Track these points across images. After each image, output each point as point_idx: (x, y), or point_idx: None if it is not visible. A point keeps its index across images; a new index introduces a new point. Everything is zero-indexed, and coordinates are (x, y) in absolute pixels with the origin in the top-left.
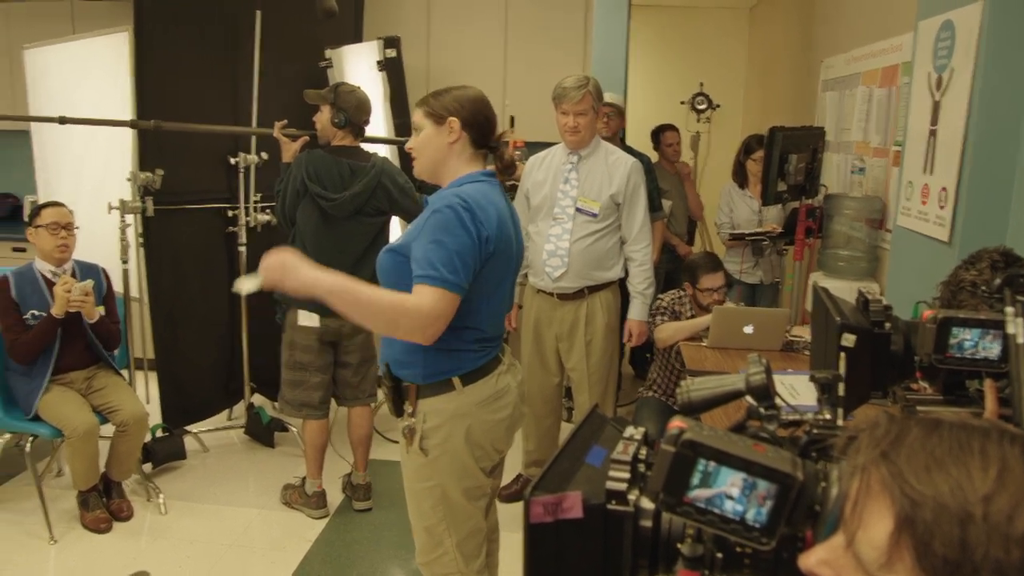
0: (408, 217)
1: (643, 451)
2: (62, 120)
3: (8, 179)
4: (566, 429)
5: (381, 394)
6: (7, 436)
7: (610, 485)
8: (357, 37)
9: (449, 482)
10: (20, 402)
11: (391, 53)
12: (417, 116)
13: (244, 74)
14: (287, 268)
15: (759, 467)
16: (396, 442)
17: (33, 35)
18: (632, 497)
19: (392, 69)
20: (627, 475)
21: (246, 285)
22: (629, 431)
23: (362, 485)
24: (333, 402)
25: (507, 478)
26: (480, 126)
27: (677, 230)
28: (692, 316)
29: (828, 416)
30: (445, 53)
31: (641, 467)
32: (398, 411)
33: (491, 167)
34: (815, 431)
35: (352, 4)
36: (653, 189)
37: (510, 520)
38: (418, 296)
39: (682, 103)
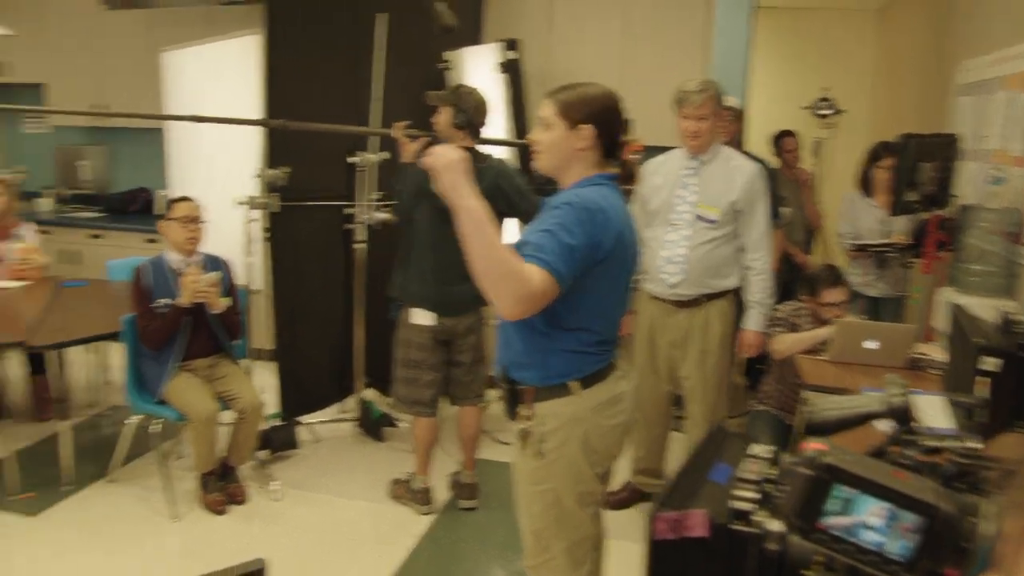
0: (525, 219)
1: (771, 470)
2: (198, 119)
3: (143, 174)
4: (675, 438)
5: (491, 394)
6: (137, 418)
7: (735, 504)
8: (475, 39)
9: (563, 487)
10: (149, 386)
11: (512, 55)
12: (547, 111)
13: (365, 76)
14: (452, 164)
15: (903, 497)
16: (505, 443)
17: (173, 39)
18: (758, 518)
19: (512, 71)
20: (754, 495)
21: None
22: (755, 448)
23: (469, 484)
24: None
25: (614, 485)
26: (612, 136)
27: (795, 238)
28: (810, 330)
29: (974, 444)
30: (564, 56)
31: (768, 487)
32: (512, 413)
33: (612, 170)
34: (961, 460)
35: (471, 7)
36: (774, 196)
37: (615, 528)
38: (529, 270)
39: (804, 108)
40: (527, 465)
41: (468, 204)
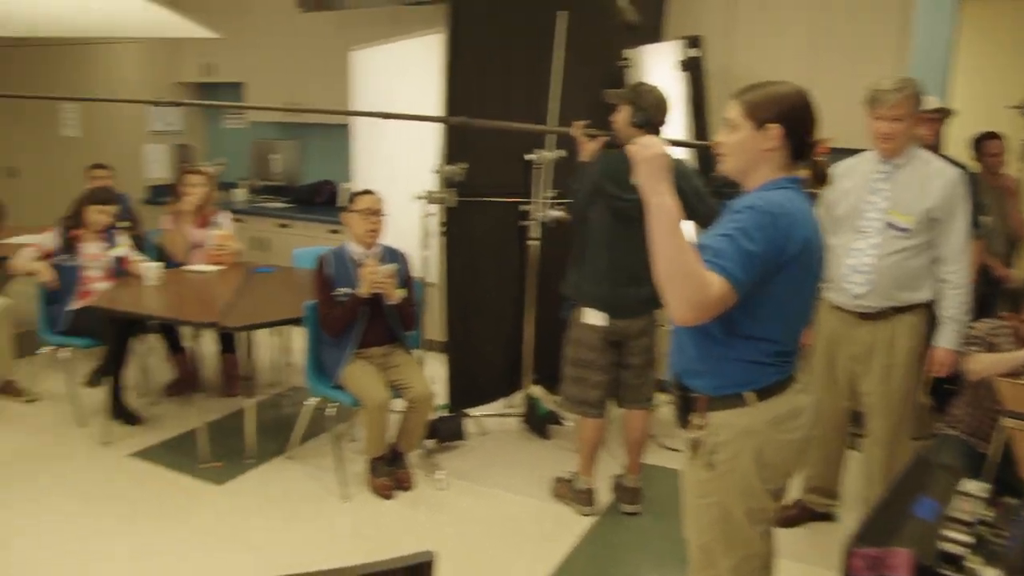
0: (702, 222)
1: (987, 511)
2: (384, 115)
3: (329, 168)
4: (851, 457)
5: (659, 398)
6: (314, 400)
7: (945, 547)
8: (656, 37)
9: (732, 501)
10: (327, 370)
11: (693, 53)
12: (733, 112)
13: (544, 74)
14: (655, 158)
15: None
16: (673, 450)
17: (361, 38)
18: (971, 564)
19: (693, 69)
20: (967, 538)
21: None
22: (968, 485)
23: (632, 488)
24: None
25: (784, 501)
26: (802, 136)
27: (995, 250)
28: (1010, 350)
29: None
30: (747, 54)
31: (983, 530)
32: (683, 422)
33: (801, 173)
34: None
35: (653, 3)
36: (974, 204)
37: (783, 547)
38: (708, 276)
39: (1011, 107)
40: (696, 476)
41: (663, 201)
